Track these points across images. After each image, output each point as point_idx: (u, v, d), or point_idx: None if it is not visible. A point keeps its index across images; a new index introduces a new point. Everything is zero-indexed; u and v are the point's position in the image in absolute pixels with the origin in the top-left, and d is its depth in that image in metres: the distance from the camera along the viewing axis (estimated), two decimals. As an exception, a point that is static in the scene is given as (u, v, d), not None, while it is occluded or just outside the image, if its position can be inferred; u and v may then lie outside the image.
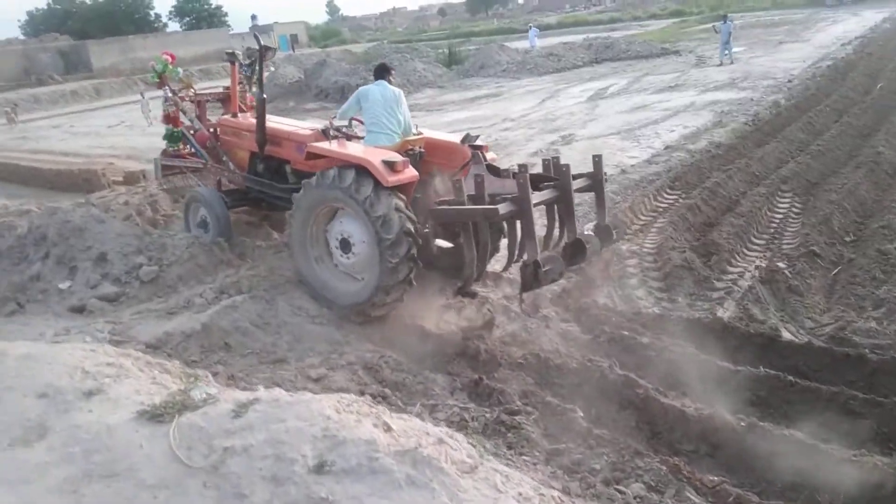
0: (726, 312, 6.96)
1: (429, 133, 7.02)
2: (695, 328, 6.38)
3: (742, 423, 4.73)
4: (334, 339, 6.26)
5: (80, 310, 6.52)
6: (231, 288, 6.68)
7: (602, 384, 5.39)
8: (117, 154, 18.35)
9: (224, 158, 8.07)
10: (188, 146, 8.54)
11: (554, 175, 6.09)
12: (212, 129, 8.43)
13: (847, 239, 8.55)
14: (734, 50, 27.49)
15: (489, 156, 6.36)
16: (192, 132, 8.44)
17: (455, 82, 30.84)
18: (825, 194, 9.92)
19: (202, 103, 8.63)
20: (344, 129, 6.97)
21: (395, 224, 5.76)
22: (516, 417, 4.95)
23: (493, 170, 6.17)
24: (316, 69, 31.48)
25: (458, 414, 5.13)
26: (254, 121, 7.62)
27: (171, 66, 8.34)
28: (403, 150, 6.46)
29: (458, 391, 5.51)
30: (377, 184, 5.79)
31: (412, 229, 5.85)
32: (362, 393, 5.36)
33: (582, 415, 4.97)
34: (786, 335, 6.34)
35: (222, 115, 8.71)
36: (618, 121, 17.12)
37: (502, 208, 5.56)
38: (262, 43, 7.31)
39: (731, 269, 7.89)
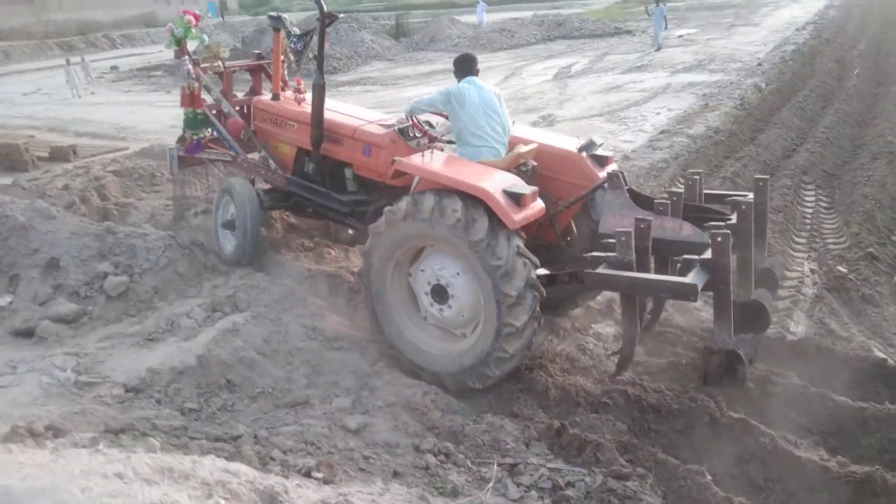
0: (799, 326, 6.10)
1: (536, 135, 5.53)
2: (780, 349, 5.46)
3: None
4: (360, 369, 5.04)
5: (27, 334, 5.06)
6: (225, 304, 5.34)
7: (715, 431, 4.38)
8: (37, 125, 16.33)
9: (262, 153, 6.50)
10: (212, 132, 6.81)
11: (715, 207, 4.91)
12: (243, 113, 6.85)
13: (895, 238, 7.84)
14: (680, 33, 27.18)
15: (612, 167, 5.11)
16: (220, 117, 6.74)
17: (405, 55, 29.40)
18: (852, 188, 9.23)
19: (228, 77, 6.90)
20: (425, 127, 5.58)
21: (519, 276, 4.37)
22: (628, 484, 3.88)
23: (637, 197, 4.95)
24: (256, 37, 29.27)
25: (547, 478, 4.03)
26: (300, 108, 6.17)
27: (194, 31, 6.53)
28: (515, 165, 5.07)
29: (536, 442, 4.40)
30: (495, 221, 4.40)
31: (537, 279, 4.46)
32: (417, 448, 4.21)
33: (711, 478, 3.94)
34: (879, 354, 5.52)
35: (247, 93, 7.11)
36: (596, 101, 16.24)
37: (695, 279, 4.16)
38: (325, 8, 5.61)
39: (787, 272, 7.03)
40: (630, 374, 5.11)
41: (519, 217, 4.37)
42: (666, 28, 25.72)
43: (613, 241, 4.37)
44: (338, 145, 5.82)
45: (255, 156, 6.65)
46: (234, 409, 4.44)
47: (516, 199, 4.38)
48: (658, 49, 24.55)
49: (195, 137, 6.52)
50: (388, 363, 5.21)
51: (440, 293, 4.78)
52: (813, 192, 9.37)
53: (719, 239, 4.17)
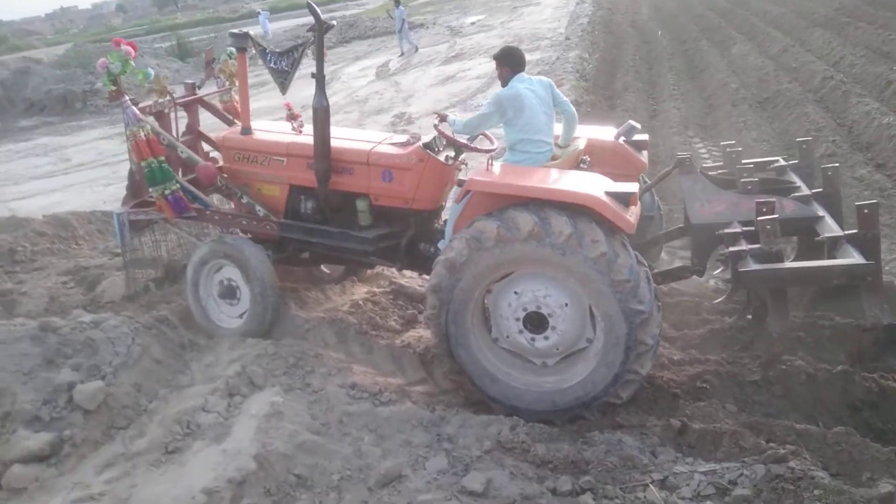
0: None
1: (580, 128, 4.93)
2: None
3: None
4: (424, 418, 4.34)
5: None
6: (240, 384, 4.32)
7: (815, 388, 4.26)
8: None
9: (244, 199, 5.34)
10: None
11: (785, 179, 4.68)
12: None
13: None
14: (472, 20, 27.45)
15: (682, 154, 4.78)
16: (175, 166, 5.42)
17: (200, 76, 27.31)
18: (737, 134, 9.86)
19: (165, 115, 5.57)
20: (463, 139, 4.75)
21: (646, 288, 3.91)
22: (791, 465, 3.63)
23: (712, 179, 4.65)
24: (17, 78, 25.71)
25: (707, 483, 3.68)
26: (288, 139, 5.22)
27: (133, 63, 5.07)
28: (576, 163, 4.52)
29: (662, 448, 4.00)
30: (608, 230, 3.89)
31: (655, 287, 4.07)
32: (555, 492, 3.68)
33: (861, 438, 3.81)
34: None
35: (183, 133, 5.84)
36: (439, 94, 16.17)
37: (856, 256, 3.90)
38: (321, 17, 4.67)
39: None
40: (681, 355, 4.93)
41: (632, 218, 3.93)
42: (401, 30, 24.14)
43: (728, 231, 4.13)
44: (348, 175, 4.97)
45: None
46: (325, 508, 3.58)
47: (624, 200, 3.92)
48: (402, 53, 23.45)
49: (169, 193, 5.15)
50: (445, 403, 4.57)
51: (538, 322, 4.20)
52: (702, 144, 9.88)
53: (866, 210, 4.01)
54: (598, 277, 3.88)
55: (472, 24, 29.22)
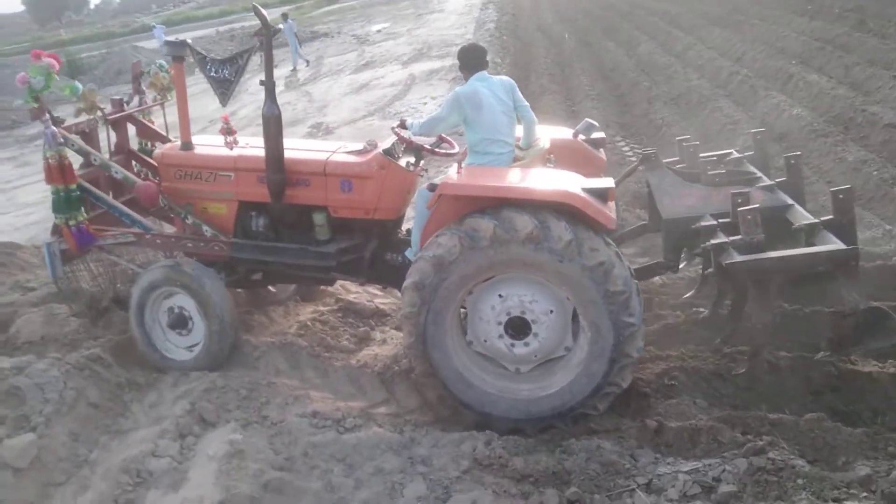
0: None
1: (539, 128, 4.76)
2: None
3: None
4: (393, 441, 4.13)
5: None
6: (191, 423, 3.96)
7: (778, 376, 4.32)
8: None
9: (189, 219, 4.91)
10: (101, 208, 5.05)
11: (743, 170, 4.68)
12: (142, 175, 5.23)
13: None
14: (377, 28, 27.21)
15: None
16: (105, 187, 5.09)
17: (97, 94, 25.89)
18: (657, 131, 10.09)
19: (92, 133, 5.07)
20: (420, 142, 4.56)
21: (637, 301, 3.83)
22: (771, 456, 3.63)
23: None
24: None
25: (692, 482, 3.63)
26: (234, 152, 4.87)
27: (57, 78, 4.60)
28: (543, 162, 4.38)
29: (640, 450, 3.94)
30: (591, 231, 3.80)
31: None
32: (542, 507, 3.54)
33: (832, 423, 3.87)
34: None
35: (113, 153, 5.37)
36: (356, 102, 15.92)
37: (835, 241, 3.91)
38: (268, 20, 4.35)
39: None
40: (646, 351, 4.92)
41: (613, 214, 3.84)
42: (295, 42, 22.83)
43: (704, 224, 4.15)
44: (303, 187, 4.67)
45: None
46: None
47: (603, 196, 3.83)
48: (293, 68, 22.34)
49: (72, 224, 4.74)
50: (413, 423, 4.36)
51: (519, 327, 4.05)
52: (625, 143, 10.05)
53: (841, 196, 4.03)
54: (593, 287, 3.78)
55: (378, 31, 29.03)
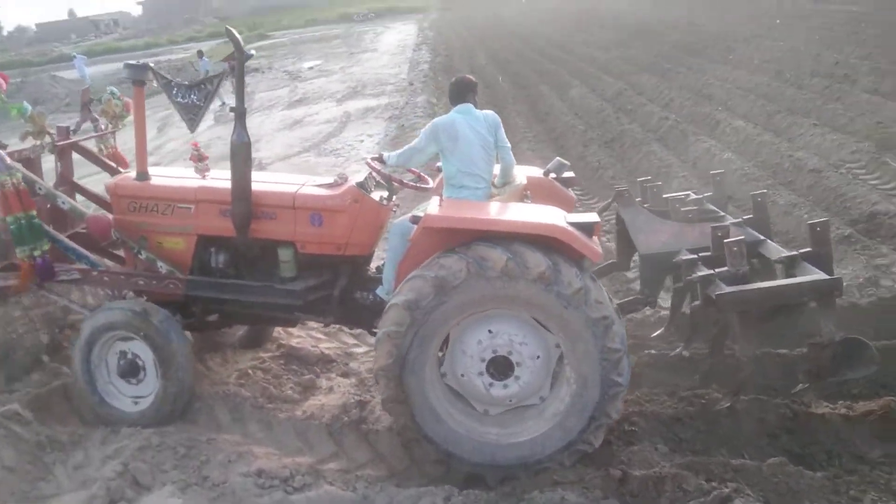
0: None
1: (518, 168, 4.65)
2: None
3: None
4: (346, 502, 3.85)
5: None
6: (123, 487, 3.60)
7: (735, 419, 4.30)
8: None
9: (142, 254, 4.54)
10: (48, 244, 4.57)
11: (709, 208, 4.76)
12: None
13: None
14: (309, 65, 26.83)
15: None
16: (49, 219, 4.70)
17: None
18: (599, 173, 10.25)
19: (36, 160, 4.71)
20: (392, 174, 4.40)
21: (626, 362, 3.76)
22: (738, 504, 3.57)
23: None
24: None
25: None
26: (194, 183, 4.58)
27: (3, 98, 4.37)
28: (521, 198, 4.29)
29: (605, 502, 3.79)
30: (576, 264, 3.70)
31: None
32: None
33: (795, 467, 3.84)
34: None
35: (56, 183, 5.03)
36: (288, 139, 15.71)
37: (814, 273, 3.97)
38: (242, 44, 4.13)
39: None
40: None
41: (599, 248, 3.76)
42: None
43: (685, 258, 4.19)
44: (269, 221, 4.43)
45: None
46: None
47: (589, 230, 3.76)
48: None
49: (39, 255, 4.35)
50: (365, 480, 4.09)
51: (502, 368, 3.89)
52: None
53: (819, 229, 4.11)
54: (592, 340, 3.69)
55: (311, 68, 28.94)
